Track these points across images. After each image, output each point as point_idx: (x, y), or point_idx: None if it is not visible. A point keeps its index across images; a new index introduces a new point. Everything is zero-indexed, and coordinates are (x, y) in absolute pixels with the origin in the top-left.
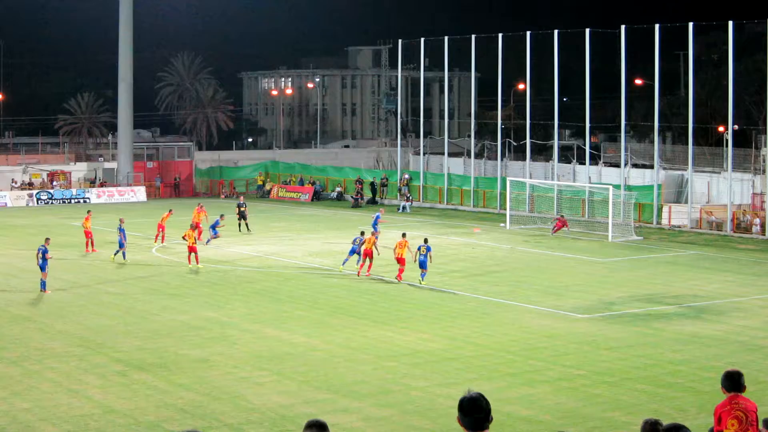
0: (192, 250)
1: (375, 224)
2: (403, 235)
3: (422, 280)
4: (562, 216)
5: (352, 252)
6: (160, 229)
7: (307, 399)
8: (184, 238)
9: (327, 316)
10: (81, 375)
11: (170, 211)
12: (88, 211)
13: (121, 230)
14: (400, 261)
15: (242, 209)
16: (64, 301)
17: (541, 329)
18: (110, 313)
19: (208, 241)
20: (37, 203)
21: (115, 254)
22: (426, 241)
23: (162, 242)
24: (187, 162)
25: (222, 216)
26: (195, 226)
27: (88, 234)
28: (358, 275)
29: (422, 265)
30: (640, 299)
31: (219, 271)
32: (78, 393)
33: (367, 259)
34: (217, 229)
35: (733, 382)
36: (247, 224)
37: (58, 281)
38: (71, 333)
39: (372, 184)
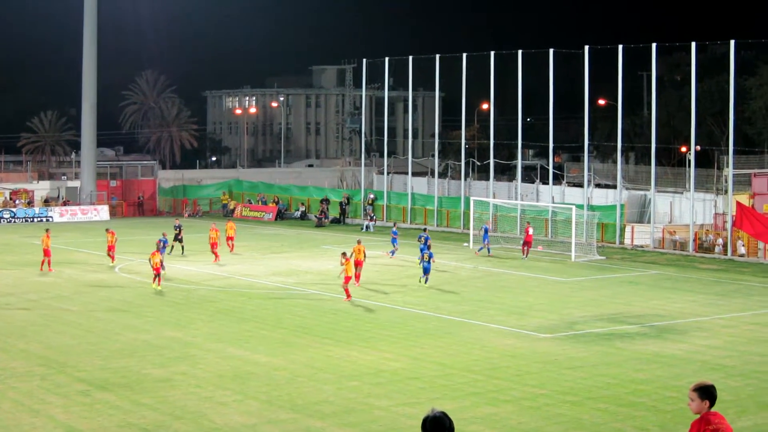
0: (157, 271)
1: (395, 241)
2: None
3: (425, 283)
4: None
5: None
6: (111, 250)
7: (271, 419)
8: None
9: (290, 335)
10: (43, 395)
11: (106, 230)
12: (47, 230)
13: (163, 242)
14: (357, 264)
15: (177, 232)
16: (26, 320)
17: (504, 349)
18: (72, 333)
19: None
20: (0, 222)
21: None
22: (429, 246)
23: (112, 262)
24: (151, 181)
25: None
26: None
27: (46, 252)
28: (357, 285)
29: (425, 271)
30: (602, 319)
31: (182, 291)
32: (40, 413)
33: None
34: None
35: (709, 394)
36: (182, 246)
37: (20, 300)
38: (33, 352)
39: (341, 203)
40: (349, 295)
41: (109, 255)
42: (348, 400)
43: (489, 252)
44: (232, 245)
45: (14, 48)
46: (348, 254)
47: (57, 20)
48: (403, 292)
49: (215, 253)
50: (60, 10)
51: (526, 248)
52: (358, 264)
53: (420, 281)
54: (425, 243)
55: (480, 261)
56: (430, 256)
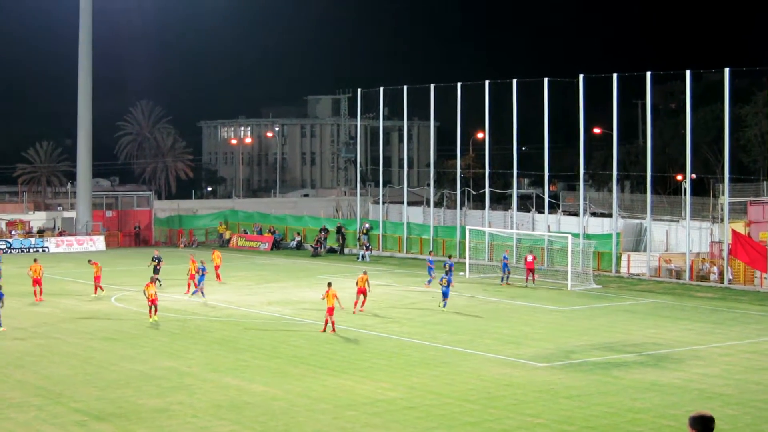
0: (153, 302)
1: (431, 270)
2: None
3: (444, 307)
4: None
5: None
6: (97, 280)
7: None
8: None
9: (287, 365)
10: (40, 425)
11: (89, 261)
12: (35, 260)
13: (202, 270)
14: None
15: (155, 263)
16: (23, 351)
17: (501, 378)
18: (69, 363)
19: (194, 292)
20: None
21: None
22: (447, 272)
23: (97, 292)
24: (147, 211)
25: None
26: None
27: (36, 282)
28: (354, 312)
29: (444, 295)
30: (599, 347)
31: (178, 321)
32: None
33: (361, 296)
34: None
35: (701, 425)
36: (158, 279)
37: (16, 330)
38: (30, 383)
39: (338, 231)
40: (324, 327)
41: (96, 286)
42: (344, 430)
43: (502, 281)
44: (218, 275)
45: (10, 79)
46: (331, 284)
47: (52, 52)
48: (399, 322)
49: (188, 284)
50: (55, 41)
51: (530, 275)
52: (362, 292)
53: (439, 306)
54: (450, 269)
55: (476, 291)
56: (449, 282)
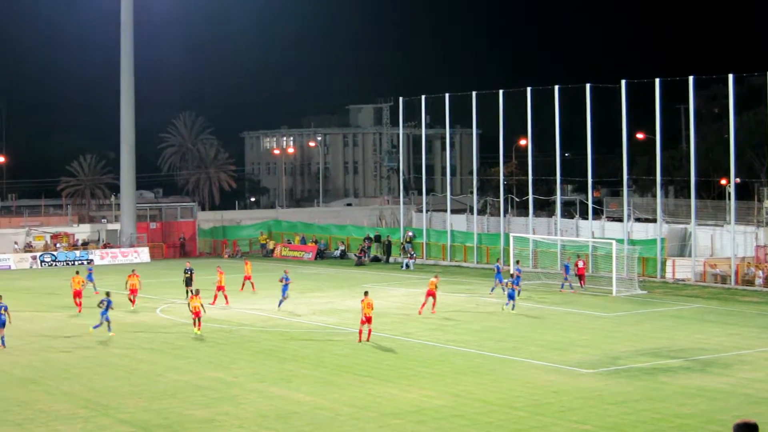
0: (197, 314)
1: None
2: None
3: (512, 309)
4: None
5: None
6: (132, 294)
7: None
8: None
9: (332, 374)
10: None
11: (133, 271)
12: (77, 272)
13: (286, 279)
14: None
15: (188, 275)
16: (69, 363)
17: (547, 385)
18: (115, 374)
19: (281, 302)
20: (41, 265)
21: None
22: (513, 275)
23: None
24: (191, 222)
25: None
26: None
27: (78, 294)
28: (419, 313)
29: (510, 297)
30: (645, 353)
31: (223, 331)
32: None
33: (430, 298)
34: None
35: None
36: (189, 290)
37: (62, 342)
38: (76, 395)
39: (387, 242)
40: (360, 337)
41: (130, 299)
42: None
43: (563, 288)
44: (252, 284)
45: (53, 93)
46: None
47: (95, 65)
48: (444, 330)
49: (215, 296)
50: (97, 54)
51: (580, 280)
52: (431, 294)
53: (503, 309)
54: (518, 277)
55: (521, 298)
56: (516, 282)
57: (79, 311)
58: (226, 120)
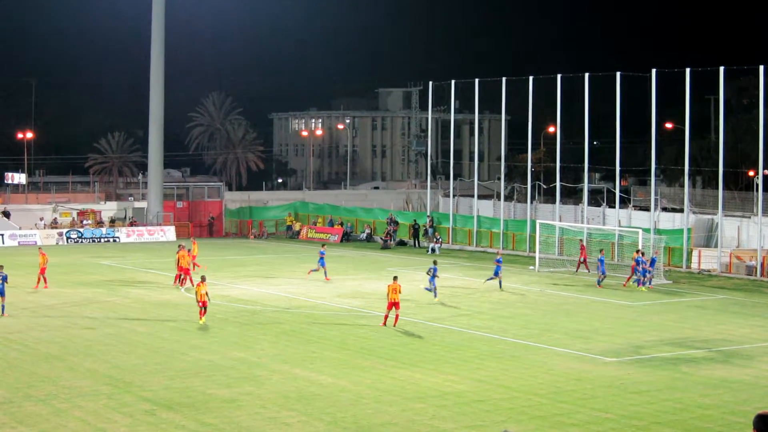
0: (204, 303)
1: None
2: (395, 278)
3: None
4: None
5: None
6: (182, 271)
7: None
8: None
9: (355, 357)
10: (109, 414)
11: (181, 246)
12: (180, 246)
13: (322, 253)
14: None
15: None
16: (93, 340)
17: (570, 372)
18: (138, 352)
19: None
20: (67, 242)
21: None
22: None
23: (183, 285)
24: (217, 202)
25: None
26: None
27: (185, 270)
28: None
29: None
30: (669, 343)
31: (247, 312)
32: None
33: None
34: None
35: (764, 424)
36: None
37: (86, 320)
38: (99, 372)
39: (415, 227)
40: (384, 321)
41: (181, 278)
42: (412, 422)
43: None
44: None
45: (82, 71)
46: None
47: (124, 43)
48: (468, 314)
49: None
50: (128, 34)
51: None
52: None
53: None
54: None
55: (546, 285)
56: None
57: (42, 287)
58: (255, 101)
